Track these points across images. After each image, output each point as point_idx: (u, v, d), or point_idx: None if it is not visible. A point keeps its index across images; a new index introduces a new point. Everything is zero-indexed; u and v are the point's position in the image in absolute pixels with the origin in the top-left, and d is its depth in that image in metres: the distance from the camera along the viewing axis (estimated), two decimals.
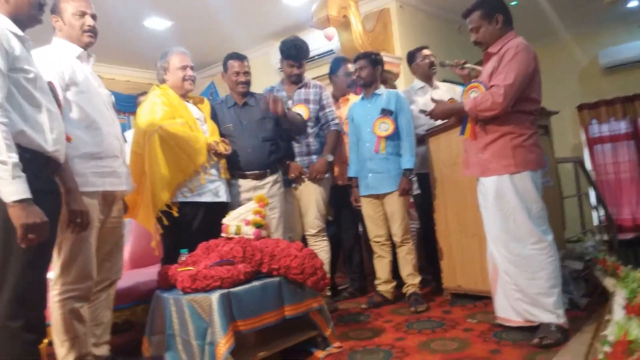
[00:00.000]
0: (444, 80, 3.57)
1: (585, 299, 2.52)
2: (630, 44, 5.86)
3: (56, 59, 1.89)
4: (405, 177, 2.80)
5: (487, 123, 2.16)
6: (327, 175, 2.99)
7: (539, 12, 5.13)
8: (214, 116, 2.71)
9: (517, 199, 2.09)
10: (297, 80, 3.02)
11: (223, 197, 2.53)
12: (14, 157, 1.40)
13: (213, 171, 2.50)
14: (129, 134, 2.96)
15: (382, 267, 2.95)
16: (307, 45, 3.01)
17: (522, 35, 2.16)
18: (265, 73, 5.15)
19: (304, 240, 2.94)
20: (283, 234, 2.73)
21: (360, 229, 3.33)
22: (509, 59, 2.07)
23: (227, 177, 2.60)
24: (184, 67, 2.54)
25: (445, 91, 3.23)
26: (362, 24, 4.26)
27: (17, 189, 1.38)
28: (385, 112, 2.82)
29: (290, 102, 3.00)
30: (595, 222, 5.21)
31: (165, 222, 2.31)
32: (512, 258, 2.12)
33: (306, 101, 2.99)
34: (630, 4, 5.48)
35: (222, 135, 2.63)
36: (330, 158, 2.97)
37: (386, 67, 3.21)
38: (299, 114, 2.87)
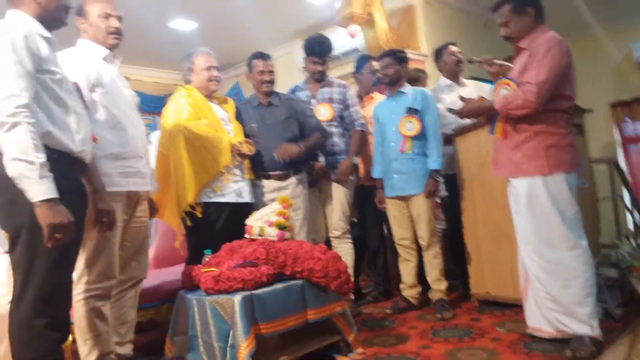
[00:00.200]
0: (472, 78, 3.47)
1: (620, 309, 2.40)
2: None
3: (82, 61, 1.91)
4: (431, 178, 2.73)
5: (519, 122, 2.07)
6: (351, 177, 2.94)
7: (569, 4, 4.94)
8: (239, 116, 2.69)
9: (550, 202, 1.99)
10: (320, 78, 2.99)
11: (246, 197, 2.52)
12: (42, 157, 1.41)
13: (237, 172, 2.48)
14: (155, 135, 2.99)
15: (407, 271, 2.89)
16: (330, 41, 2.98)
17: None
18: (289, 72, 5.14)
19: (327, 242, 2.90)
20: (307, 235, 2.69)
21: (385, 230, 3.27)
22: (541, 54, 1.98)
23: (251, 177, 2.59)
24: (209, 68, 2.53)
25: (473, 89, 3.14)
26: (386, 21, 4.19)
27: (45, 188, 1.40)
28: (411, 111, 2.76)
29: (313, 100, 2.97)
30: (631, 226, 4.98)
31: (189, 223, 2.31)
32: (544, 264, 2.02)
33: (330, 100, 2.95)
34: None
35: (246, 135, 2.62)
36: (356, 160, 2.92)
37: (415, 65, 3.14)
38: (316, 131, 2.77)
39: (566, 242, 1.98)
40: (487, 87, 2.80)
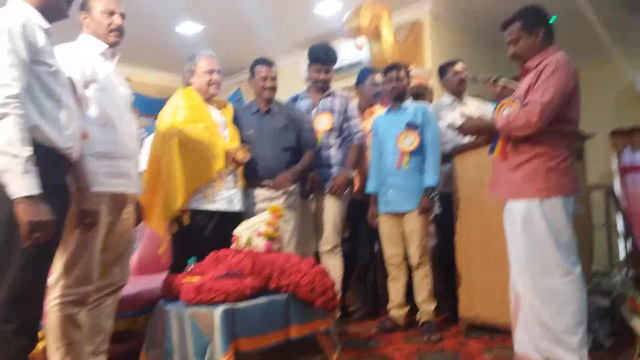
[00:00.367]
0: (476, 96, 3.44)
1: (610, 340, 2.35)
2: None
3: (78, 55, 1.87)
4: (426, 195, 2.68)
5: (520, 142, 2.03)
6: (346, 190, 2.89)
7: (574, 30, 4.95)
8: (236, 121, 2.66)
9: (546, 227, 1.95)
10: (323, 87, 2.95)
11: (237, 206, 2.46)
12: (28, 151, 1.36)
13: (229, 178, 2.44)
14: (149, 139, 2.93)
15: (396, 290, 2.83)
16: (335, 51, 2.96)
17: None
18: (293, 83, 5.09)
19: (317, 256, 2.84)
20: (296, 248, 2.63)
21: (376, 247, 3.21)
22: (547, 74, 1.95)
23: (243, 184, 2.54)
24: (211, 71, 2.51)
25: (475, 108, 3.11)
26: (393, 35, 4.18)
27: (27, 184, 1.35)
28: (411, 126, 2.72)
29: (314, 110, 2.93)
30: (623, 254, 4.95)
31: (175, 230, 2.25)
32: (537, 290, 1.97)
33: (331, 110, 2.91)
34: None
35: (242, 141, 2.58)
36: (352, 173, 2.88)
37: (419, 81, 3.13)
38: (308, 149, 2.77)
39: (560, 267, 1.93)
40: (490, 107, 2.76)
